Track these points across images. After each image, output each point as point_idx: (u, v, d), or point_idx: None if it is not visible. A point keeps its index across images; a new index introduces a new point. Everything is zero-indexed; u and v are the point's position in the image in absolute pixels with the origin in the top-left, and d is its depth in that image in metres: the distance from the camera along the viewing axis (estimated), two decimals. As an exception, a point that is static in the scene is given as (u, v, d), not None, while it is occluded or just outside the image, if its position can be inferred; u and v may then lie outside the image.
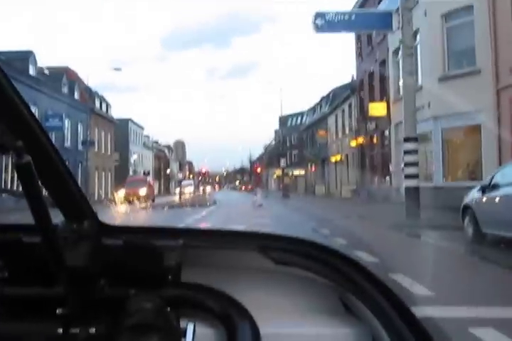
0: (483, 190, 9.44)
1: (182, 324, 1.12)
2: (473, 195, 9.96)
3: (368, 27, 15.87)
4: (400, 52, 22.01)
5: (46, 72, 36.64)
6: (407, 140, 14.52)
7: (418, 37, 20.56)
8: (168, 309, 1.12)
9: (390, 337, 1.07)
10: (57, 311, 1.12)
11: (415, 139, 14.52)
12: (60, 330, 1.10)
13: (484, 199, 9.45)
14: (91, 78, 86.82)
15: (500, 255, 8.37)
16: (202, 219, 18.07)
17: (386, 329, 1.08)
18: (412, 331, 1.04)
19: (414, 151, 14.38)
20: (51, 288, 1.13)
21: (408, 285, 5.48)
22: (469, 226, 9.82)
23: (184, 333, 1.11)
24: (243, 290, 1.24)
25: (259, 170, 79.35)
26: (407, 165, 14.46)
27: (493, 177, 9.50)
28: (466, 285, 6.08)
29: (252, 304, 1.18)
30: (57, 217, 1.08)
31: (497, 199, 9.05)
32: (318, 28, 14.62)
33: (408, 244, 10.30)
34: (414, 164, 14.33)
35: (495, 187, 9.16)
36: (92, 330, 1.11)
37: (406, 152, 14.49)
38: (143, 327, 1.07)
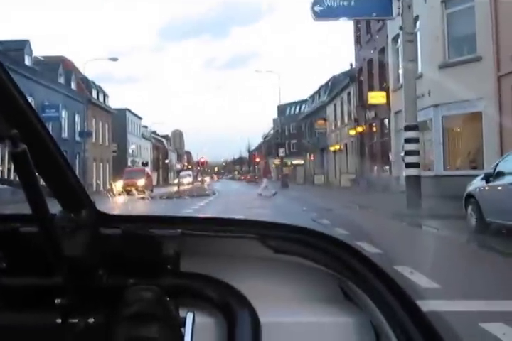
0: (487, 178, 9.24)
1: (181, 313, 1.12)
2: (477, 183, 9.77)
3: (368, 13, 15.56)
4: (400, 39, 21.77)
5: (42, 58, 36.30)
6: (407, 128, 14.30)
7: (418, 24, 20.20)
8: (167, 298, 1.12)
9: (391, 325, 1.05)
10: (56, 301, 1.11)
11: (416, 127, 14.31)
12: (59, 320, 1.11)
13: (488, 187, 9.25)
14: (88, 69, 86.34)
15: (505, 244, 8.20)
16: (200, 210, 17.92)
17: (387, 317, 1.07)
18: (413, 320, 1.02)
19: (415, 139, 14.18)
20: (49, 278, 1.12)
21: (414, 277, 5.30)
22: (472, 215, 9.64)
23: (183, 322, 1.09)
24: (242, 279, 1.23)
25: (257, 159, 79.26)
26: (407, 153, 14.27)
27: (497, 165, 9.30)
28: (474, 276, 5.87)
29: (251, 293, 1.18)
30: (54, 207, 1.07)
31: (501, 188, 8.87)
32: (317, 15, 14.36)
33: (411, 234, 10.13)
34: (415, 152, 14.14)
35: (499, 175, 8.97)
36: (91, 320, 1.11)
37: (407, 140, 14.29)
38: (142, 316, 1.06)
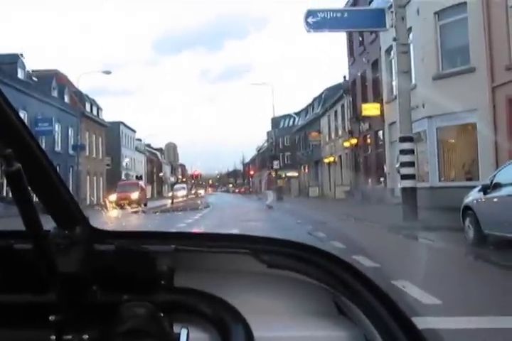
0: (485, 190, 9.11)
1: (175, 329, 1.11)
2: (474, 195, 9.63)
3: (361, 25, 15.54)
4: (393, 51, 21.80)
5: (34, 77, 36.18)
6: (402, 139, 14.21)
7: (411, 35, 20.17)
8: (161, 314, 1.12)
9: (385, 340, 1.05)
10: (50, 318, 1.10)
11: (411, 139, 14.23)
12: (53, 337, 1.10)
13: (485, 199, 9.12)
14: (82, 82, 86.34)
15: (504, 257, 8.04)
16: (194, 223, 17.72)
17: (380, 332, 1.06)
18: (407, 335, 1.02)
19: (411, 151, 14.08)
20: (43, 295, 1.13)
21: (414, 293, 5.13)
22: (470, 227, 9.50)
23: (178, 338, 1.08)
24: (236, 294, 1.23)
25: (252, 172, 79.09)
26: (403, 165, 14.17)
27: (494, 177, 9.18)
28: (475, 291, 5.69)
29: (245, 307, 1.18)
30: (48, 224, 1.06)
31: (499, 200, 8.74)
32: (310, 27, 14.29)
33: (408, 247, 9.97)
34: (411, 164, 14.04)
35: (496, 187, 8.84)
36: (85, 336, 1.11)
37: (402, 152, 14.20)
38: (136, 332, 1.07)
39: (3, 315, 1.14)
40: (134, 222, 21.60)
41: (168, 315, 1.14)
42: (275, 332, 1.21)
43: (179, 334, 1.09)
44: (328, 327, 1.23)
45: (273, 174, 51.17)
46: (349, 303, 1.16)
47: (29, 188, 0.94)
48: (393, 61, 23.44)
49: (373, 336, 1.10)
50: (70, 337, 1.10)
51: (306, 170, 53.80)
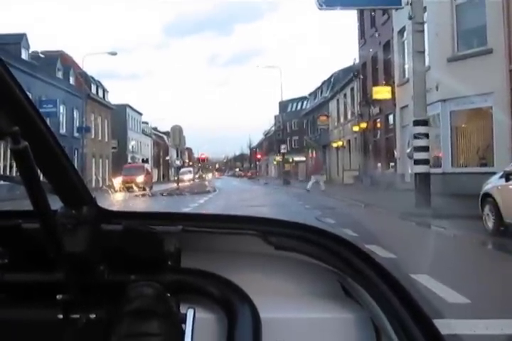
0: (507, 176, 8.55)
1: (182, 309, 1.11)
2: (495, 181, 9.08)
3: (375, 2, 14.90)
4: (406, 32, 21.15)
5: (41, 55, 35.73)
6: (416, 123, 13.61)
7: (426, 15, 19.55)
8: (168, 295, 1.12)
9: (391, 322, 1.05)
10: (58, 297, 1.12)
11: (425, 122, 13.63)
12: (61, 316, 1.12)
13: (509, 186, 8.56)
14: (89, 65, 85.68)
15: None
16: (200, 207, 17.32)
17: (387, 314, 1.06)
18: (413, 317, 1.01)
19: (425, 135, 13.48)
20: (51, 274, 1.14)
21: (438, 290, 4.62)
22: (490, 215, 8.97)
23: (184, 319, 1.08)
24: (243, 276, 1.24)
25: (259, 156, 78.60)
26: (416, 149, 13.60)
27: (518, 162, 8.63)
28: (506, 288, 5.15)
29: (252, 289, 1.19)
30: (56, 203, 1.07)
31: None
32: (322, 4, 13.64)
33: (423, 236, 9.44)
34: (425, 149, 13.46)
35: (520, 173, 8.30)
36: (92, 316, 1.12)
37: (416, 136, 13.60)
38: (143, 312, 1.06)
39: (11, 294, 1.16)
40: (140, 204, 21.36)
41: (175, 295, 1.14)
42: (281, 314, 1.22)
43: (186, 314, 1.09)
44: (334, 309, 1.23)
45: (275, 159, 50.54)
46: (356, 286, 1.16)
47: (36, 167, 0.92)
48: (406, 42, 22.82)
49: (380, 320, 1.09)
50: (77, 316, 1.12)
51: (314, 155, 53.29)
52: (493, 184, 9.10)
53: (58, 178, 1.08)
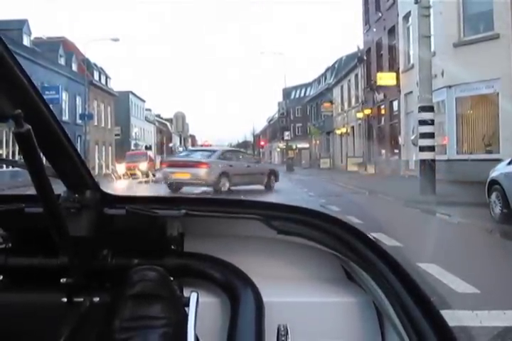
0: (515, 163, 8.40)
1: (185, 293, 1.13)
2: (502, 168, 8.93)
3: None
4: (411, 17, 20.86)
5: (44, 38, 35.51)
6: (422, 109, 13.40)
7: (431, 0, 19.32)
8: (171, 278, 1.13)
9: (393, 305, 1.04)
10: (62, 280, 1.13)
11: (431, 108, 13.43)
12: (65, 299, 1.14)
13: (517, 173, 8.41)
14: (91, 51, 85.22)
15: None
16: (202, 195, 17.21)
17: (389, 298, 1.05)
18: (415, 300, 1.00)
19: (431, 121, 13.28)
20: (55, 258, 1.15)
21: (446, 280, 4.50)
22: (497, 203, 8.82)
23: (187, 302, 1.08)
24: (246, 259, 1.25)
25: (262, 142, 78.47)
26: (422, 136, 13.42)
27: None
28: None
29: (254, 273, 1.21)
30: (59, 188, 1.06)
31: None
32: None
33: (429, 224, 9.31)
34: (431, 135, 13.26)
35: (529, 160, 8.15)
36: (96, 299, 1.14)
37: (421, 122, 13.41)
38: (146, 296, 1.06)
39: (16, 278, 1.17)
40: (143, 190, 21.31)
41: (178, 279, 1.15)
42: (284, 298, 1.22)
43: (189, 298, 1.09)
44: (337, 293, 1.23)
45: (278, 146, 50.20)
46: (358, 269, 1.15)
47: (40, 152, 0.90)
48: (411, 28, 22.52)
49: (383, 303, 1.09)
50: (80, 299, 1.14)
51: (318, 142, 53.06)
52: (501, 171, 8.95)
53: (61, 162, 1.08)
